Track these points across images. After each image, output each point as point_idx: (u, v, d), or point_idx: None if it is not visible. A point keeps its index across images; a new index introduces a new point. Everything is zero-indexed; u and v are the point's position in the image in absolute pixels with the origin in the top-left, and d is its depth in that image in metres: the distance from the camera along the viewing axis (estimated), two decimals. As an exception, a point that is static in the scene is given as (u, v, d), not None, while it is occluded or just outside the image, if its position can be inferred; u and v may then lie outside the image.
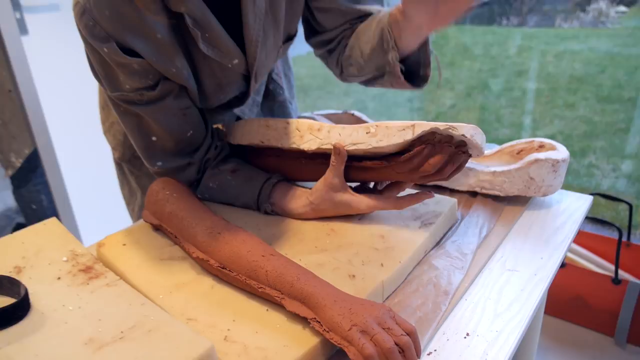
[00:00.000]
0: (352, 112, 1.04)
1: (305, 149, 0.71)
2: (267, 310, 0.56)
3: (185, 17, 0.65)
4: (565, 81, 3.70)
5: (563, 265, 1.52)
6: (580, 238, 1.64)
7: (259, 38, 0.73)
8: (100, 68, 0.68)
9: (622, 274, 1.55)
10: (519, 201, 0.81)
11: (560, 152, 0.78)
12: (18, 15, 1.57)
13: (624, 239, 1.57)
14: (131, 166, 0.98)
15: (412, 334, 0.49)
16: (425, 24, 0.67)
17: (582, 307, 1.53)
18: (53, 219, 0.70)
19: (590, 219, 1.52)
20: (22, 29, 1.59)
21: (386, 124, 0.64)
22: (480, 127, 0.63)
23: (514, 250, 0.70)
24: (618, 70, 3.75)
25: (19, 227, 1.88)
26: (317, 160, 0.72)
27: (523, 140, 0.85)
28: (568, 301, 1.55)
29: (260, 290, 0.56)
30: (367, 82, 0.81)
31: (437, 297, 0.60)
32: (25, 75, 1.51)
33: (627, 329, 1.45)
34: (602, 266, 1.57)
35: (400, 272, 0.62)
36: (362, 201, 0.69)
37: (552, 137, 2.93)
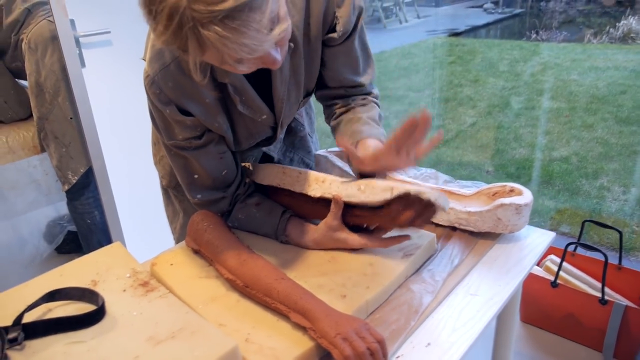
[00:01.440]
0: (360, 150, 1.23)
1: (312, 195, 0.91)
2: (278, 320, 0.76)
3: (228, 86, 0.85)
4: (586, 101, 3.76)
5: (556, 285, 1.66)
6: (576, 260, 1.78)
7: (284, 97, 0.92)
8: (161, 122, 0.89)
9: (612, 294, 1.69)
10: (491, 236, 0.97)
11: (525, 197, 0.94)
12: (77, 51, 1.80)
13: (617, 262, 1.71)
14: (176, 192, 1.19)
15: (381, 342, 0.67)
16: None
17: (574, 324, 1.67)
18: (117, 243, 0.91)
19: (582, 244, 1.66)
20: (81, 62, 1.82)
21: (373, 184, 0.83)
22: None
23: (478, 278, 0.87)
24: (640, 91, 3.79)
25: (69, 234, 2.13)
26: (321, 204, 0.91)
27: (498, 184, 1.01)
28: (561, 318, 1.69)
29: (273, 305, 0.75)
30: None
31: (409, 315, 0.78)
32: (85, 104, 1.73)
33: (614, 345, 1.58)
34: (594, 287, 1.70)
35: (382, 294, 0.80)
36: (355, 239, 0.88)
37: (566, 159, 3.04)
